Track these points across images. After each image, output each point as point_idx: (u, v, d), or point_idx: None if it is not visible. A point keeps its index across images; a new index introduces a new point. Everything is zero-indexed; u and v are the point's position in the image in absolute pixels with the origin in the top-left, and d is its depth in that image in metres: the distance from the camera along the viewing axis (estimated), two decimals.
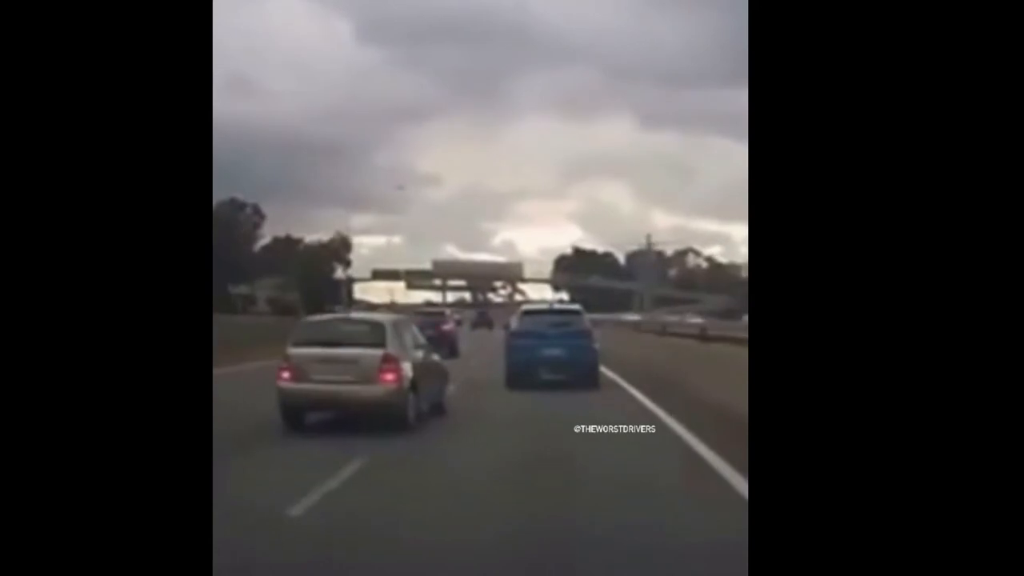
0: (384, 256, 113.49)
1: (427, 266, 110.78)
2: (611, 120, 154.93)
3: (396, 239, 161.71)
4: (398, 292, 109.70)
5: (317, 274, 74.11)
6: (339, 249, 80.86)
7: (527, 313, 20.03)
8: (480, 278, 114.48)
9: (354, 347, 11.54)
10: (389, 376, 11.24)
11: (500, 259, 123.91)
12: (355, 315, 17.59)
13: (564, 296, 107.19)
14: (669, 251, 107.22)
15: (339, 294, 70.54)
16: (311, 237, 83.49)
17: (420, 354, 12.65)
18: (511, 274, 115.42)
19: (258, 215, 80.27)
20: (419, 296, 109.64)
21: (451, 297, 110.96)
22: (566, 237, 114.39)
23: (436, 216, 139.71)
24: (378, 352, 11.38)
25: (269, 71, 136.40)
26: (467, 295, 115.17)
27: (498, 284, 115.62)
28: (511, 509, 7.19)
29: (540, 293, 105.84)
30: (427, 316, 33.23)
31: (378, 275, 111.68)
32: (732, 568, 4.13)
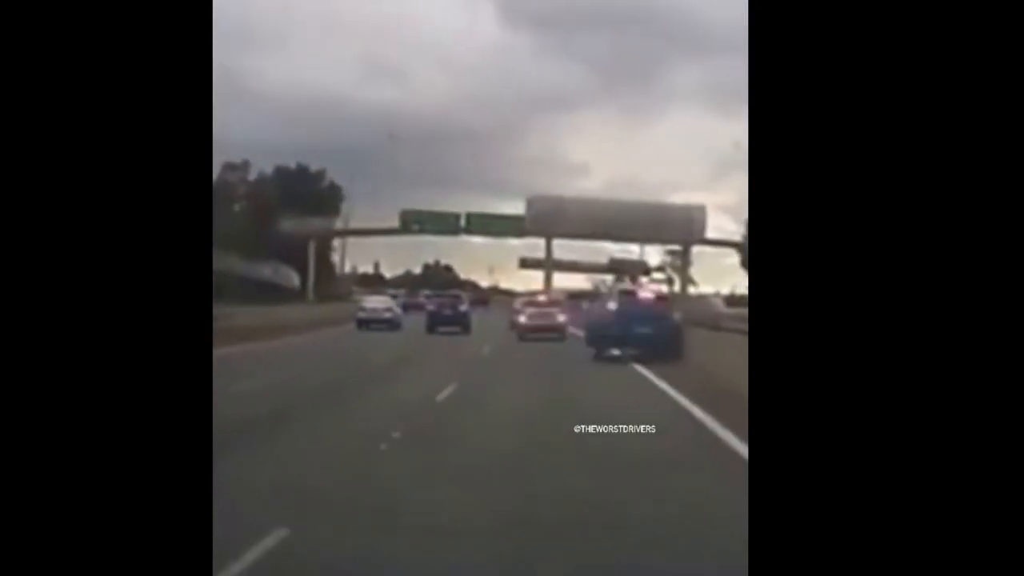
0: (532, 246, 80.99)
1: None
2: None
3: None
4: (505, 272, 74.19)
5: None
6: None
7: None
8: (611, 227, 70.85)
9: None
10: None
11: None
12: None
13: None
14: None
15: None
16: None
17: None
18: (675, 228, 72.04)
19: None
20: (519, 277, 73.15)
21: (571, 281, 72.96)
22: (718, 232, 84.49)
23: None
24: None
25: (410, 56, 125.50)
26: (608, 278, 76.09)
27: (653, 265, 75.22)
28: None
29: (718, 278, 68.37)
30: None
31: (410, 222, 71.62)
32: None
